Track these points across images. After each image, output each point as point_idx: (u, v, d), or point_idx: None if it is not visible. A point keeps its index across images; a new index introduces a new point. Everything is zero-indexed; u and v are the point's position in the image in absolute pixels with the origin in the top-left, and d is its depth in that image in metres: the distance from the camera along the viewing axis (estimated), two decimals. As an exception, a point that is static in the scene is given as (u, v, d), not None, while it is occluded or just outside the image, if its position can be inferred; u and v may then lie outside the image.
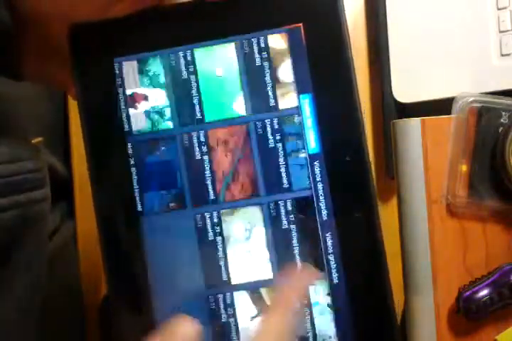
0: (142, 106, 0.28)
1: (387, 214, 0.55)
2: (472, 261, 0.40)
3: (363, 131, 0.26)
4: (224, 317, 0.26)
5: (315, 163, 0.26)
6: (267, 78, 0.27)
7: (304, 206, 0.26)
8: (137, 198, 0.27)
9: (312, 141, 0.26)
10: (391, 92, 0.51)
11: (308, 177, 0.26)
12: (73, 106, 0.53)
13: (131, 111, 0.28)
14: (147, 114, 0.28)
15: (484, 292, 0.39)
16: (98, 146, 0.28)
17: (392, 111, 0.52)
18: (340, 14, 0.26)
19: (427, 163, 0.40)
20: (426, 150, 0.40)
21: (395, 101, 0.52)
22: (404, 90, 0.51)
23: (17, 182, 0.31)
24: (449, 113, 0.41)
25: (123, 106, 0.28)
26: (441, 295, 0.40)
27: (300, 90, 0.26)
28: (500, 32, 0.49)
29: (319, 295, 0.26)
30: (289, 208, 0.26)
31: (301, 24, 0.26)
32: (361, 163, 0.26)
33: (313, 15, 0.26)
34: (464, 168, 0.40)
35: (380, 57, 0.53)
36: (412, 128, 0.40)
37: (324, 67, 0.26)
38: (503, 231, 0.40)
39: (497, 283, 0.39)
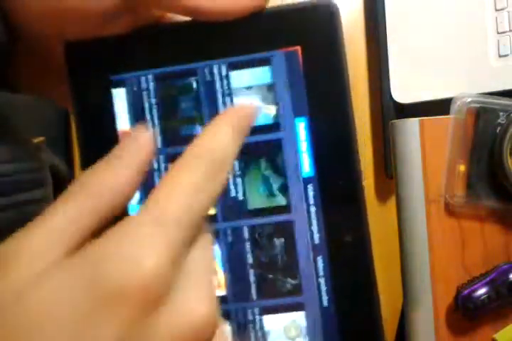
0: (126, 120, 0.27)
1: (385, 214, 0.55)
2: (470, 260, 0.41)
3: (357, 156, 0.26)
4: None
5: (308, 186, 0.26)
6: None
7: (296, 229, 0.26)
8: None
9: (306, 165, 0.26)
10: (390, 93, 0.52)
11: (301, 201, 0.26)
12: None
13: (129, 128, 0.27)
14: None
15: (482, 290, 0.39)
16: (94, 162, 0.28)
17: (391, 111, 0.53)
18: (340, 38, 0.25)
19: (426, 162, 0.41)
20: (424, 150, 0.41)
21: (394, 101, 0.52)
22: (402, 91, 0.51)
23: (16, 182, 0.31)
24: (447, 113, 0.41)
25: (120, 124, 0.27)
26: (440, 293, 0.41)
27: (296, 113, 0.26)
28: (498, 33, 0.49)
29: (309, 317, 0.26)
30: (274, 232, 0.26)
31: (299, 47, 0.26)
32: (355, 187, 0.26)
33: (311, 38, 0.26)
34: (462, 167, 0.40)
35: (379, 58, 0.53)
36: (411, 128, 0.41)
37: (321, 90, 0.26)
38: (501, 231, 0.40)
39: (495, 281, 0.39)
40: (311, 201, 0.26)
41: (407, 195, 0.41)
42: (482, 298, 0.39)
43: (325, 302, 0.26)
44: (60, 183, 0.40)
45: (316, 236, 0.26)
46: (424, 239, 0.40)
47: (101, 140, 0.28)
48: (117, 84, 0.27)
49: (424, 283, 0.41)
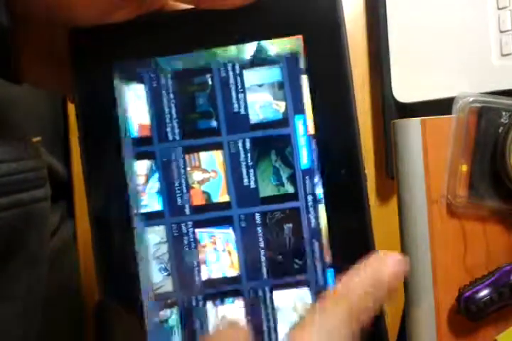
0: (141, 113, 0.27)
1: (387, 214, 0.55)
2: (472, 261, 0.40)
3: (360, 149, 0.26)
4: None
5: (307, 177, 0.27)
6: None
7: (295, 217, 0.27)
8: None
9: (305, 158, 0.27)
10: (391, 92, 0.51)
11: (300, 191, 0.27)
12: (72, 106, 0.53)
13: (131, 117, 0.27)
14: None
15: (484, 292, 0.39)
16: (94, 152, 0.28)
17: (393, 111, 0.52)
18: (341, 27, 0.26)
19: (427, 163, 0.40)
20: (426, 150, 0.40)
21: (395, 101, 0.52)
22: (404, 90, 0.51)
23: (19, 181, 0.32)
24: (449, 113, 0.41)
25: (122, 113, 0.27)
26: (442, 295, 0.40)
27: (295, 108, 0.27)
28: (501, 32, 0.49)
29: (313, 294, 0.28)
30: (282, 218, 0.28)
31: (301, 36, 0.26)
32: (357, 183, 0.27)
33: (313, 27, 0.26)
34: (464, 168, 0.40)
35: (381, 57, 0.53)
36: (412, 128, 0.40)
37: (323, 82, 0.26)
38: (503, 231, 0.40)
39: (497, 283, 0.39)
40: (310, 191, 0.27)
41: (409, 195, 0.41)
42: (484, 299, 0.39)
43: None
44: (57, 183, 0.40)
45: (316, 224, 0.27)
46: (425, 239, 0.40)
47: (103, 129, 0.28)
48: (121, 72, 0.27)
49: (425, 284, 0.40)
